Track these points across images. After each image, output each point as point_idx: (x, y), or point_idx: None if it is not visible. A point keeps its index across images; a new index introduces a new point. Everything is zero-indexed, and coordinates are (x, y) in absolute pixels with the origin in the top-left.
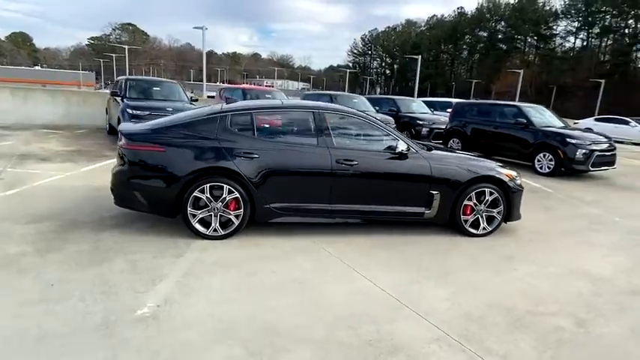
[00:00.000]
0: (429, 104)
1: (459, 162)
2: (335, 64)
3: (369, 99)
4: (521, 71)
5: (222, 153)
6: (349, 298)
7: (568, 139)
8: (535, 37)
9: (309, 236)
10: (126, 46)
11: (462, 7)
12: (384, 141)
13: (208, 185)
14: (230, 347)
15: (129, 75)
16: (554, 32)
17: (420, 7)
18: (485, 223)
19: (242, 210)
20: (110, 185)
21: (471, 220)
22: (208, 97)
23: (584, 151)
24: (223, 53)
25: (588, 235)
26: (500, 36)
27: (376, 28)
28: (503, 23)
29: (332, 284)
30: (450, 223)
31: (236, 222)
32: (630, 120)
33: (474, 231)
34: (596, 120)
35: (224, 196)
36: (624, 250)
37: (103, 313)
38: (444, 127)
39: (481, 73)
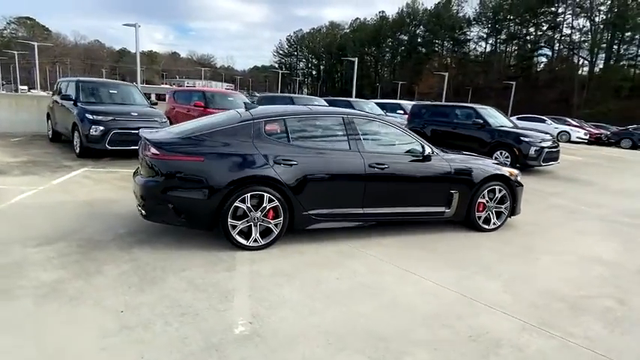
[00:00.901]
0: (379, 106)
1: (473, 162)
2: (259, 65)
3: (268, 97)
4: (447, 74)
5: (262, 160)
6: (423, 299)
7: (522, 138)
8: (451, 42)
9: (339, 241)
10: (35, 43)
11: (383, 11)
12: (408, 144)
13: (249, 194)
14: (351, 356)
15: (64, 77)
16: (468, 37)
17: (340, 10)
18: (495, 218)
19: (281, 218)
20: (138, 199)
21: (484, 216)
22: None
23: (536, 148)
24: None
25: (575, 225)
26: (419, 40)
27: (301, 29)
28: (422, 28)
29: (397, 286)
30: (465, 220)
31: (276, 231)
32: (546, 118)
33: (485, 226)
34: (518, 119)
35: (264, 204)
36: (611, 235)
37: (201, 335)
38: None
39: (403, 75)
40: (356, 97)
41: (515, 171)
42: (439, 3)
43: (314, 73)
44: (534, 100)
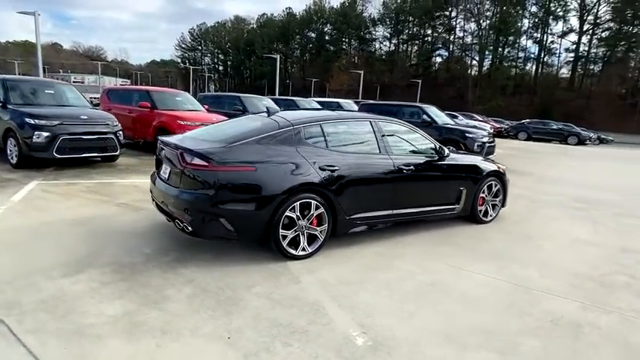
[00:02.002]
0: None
1: (475, 160)
2: (157, 59)
3: (212, 96)
4: (362, 72)
5: (309, 167)
6: (486, 291)
7: (467, 134)
8: (358, 41)
9: (369, 244)
10: None
11: (290, 8)
12: (424, 144)
13: (298, 203)
14: (478, 353)
15: None
16: (374, 37)
17: (240, 4)
18: (491, 210)
19: (326, 225)
20: (179, 214)
21: (483, 209)
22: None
23: (479, 143)
24: (9, 42)
25: (545, 212)
26: (327, 38)
27: (205, 23)
28: (329, 26)
29: (456, 281)
30: (469, 214)
31: (321, 238)
32: (458, 114)
33: (485, 219)
34: None
35: (312, 212)
36: (577, 219)
37: (329, 351)
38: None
39: (314, 72)
40: (268, 94)
41: (503, 166)
42: (345, 2)
43: (221, 68)
44: (435, 98)
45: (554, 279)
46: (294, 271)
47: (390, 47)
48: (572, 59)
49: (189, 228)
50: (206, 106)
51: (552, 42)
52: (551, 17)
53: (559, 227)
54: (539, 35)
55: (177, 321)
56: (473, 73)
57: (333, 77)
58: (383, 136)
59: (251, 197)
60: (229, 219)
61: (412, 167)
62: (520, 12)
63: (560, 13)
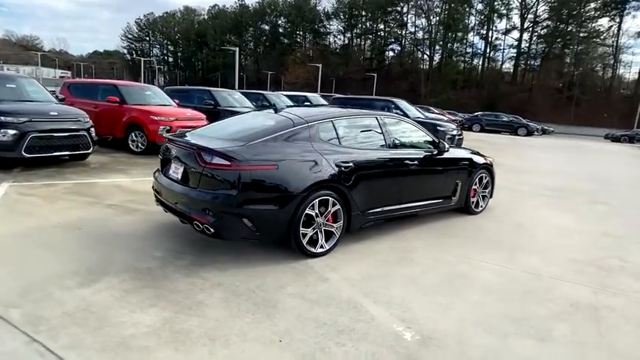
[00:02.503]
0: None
1: (468, 154)
2: (101, 49)
3: (179, 90)
4: (320, 65)
5: (326, 164)
6: (505, 280)
7: (438, 127)
8: (312, 34)
9: (376, 239)
10: None
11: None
12: (425, 139)
13: (317, 200)
14: (518, 340)
15: None
16: (328, 30)
17: None
18: (482, 201)
19: (341, 221)
20: (200, 216)
21: (475, 201)
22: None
23: (449, 136)
24: None
25: (527, 202)
26: (281, 30)
27: (152, 13)
28: (283, 19)
29: (474, 272)
30: (463, 206)
31: (337, 234)
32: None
33: (476, 210)
34: None
35: (329, 209)
36: (555, 208)
37: (382, 348)
38: None
39: (268, 65)
40: (221, 87)
41: (490, 159)
42: None
43: (171, 60)
44: (390, 91)
45: (558, 266)
46: (317, 269)
47: (344, 41)
48: (514, 55)
49: (211, 230)
50: (176, 101)
51: (497, 38)
52: (495, 15)
53: (543, 216)
54: (484, 32)
55: (220, 327)
56: (424, 67)
57: (288, 70)
58: (389, 131)
59: (273, 196)
60: (252, 219)
61: (416, 161)
62: (467, 9)
63: (504, 12)
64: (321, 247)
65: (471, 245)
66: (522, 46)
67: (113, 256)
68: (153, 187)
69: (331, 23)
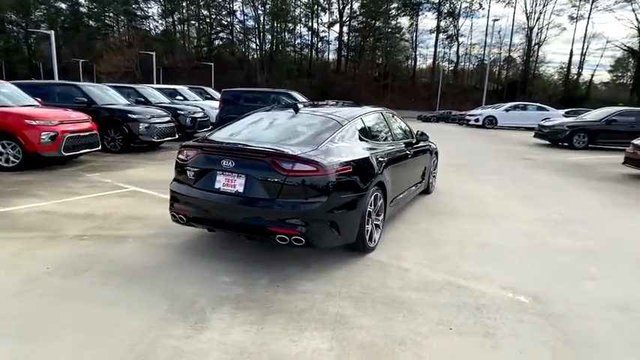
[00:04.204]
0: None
1: (429, 141)
2: None
3: (31, 85)
4: (154, 53)
5: (374, 160)
6: (519, 238)
7: (179, 112)
8: (127, 17)
9: (393, 225)
10: None
11: None
12: (406, 130)
13: (373, 197)
14: (586, 281)
15: None
16: (147, 14)
17: None
18: (434, 182)
19: (383, 214)
20: (285, 228)
21: (431, 182)
22: None
23: (189, 118)
24: None
25: (450, 176)
26: (85, 10)
27: None
28: None
29: (500, 235)
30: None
31: (381, 227)
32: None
33: (431, 190)
34: None
35: (378, 203)
36: (476, 180)
37: (515, 314)
38: (200, 116)
39: (73, 52)
40: (7, 78)
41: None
42: None
43: None
44: (226, 81)
45: (530, 225)
46: (386, 262)
47: (166, 26)
48: (337, 46)
49: (302, 240)
50: (39, 99)
51: (323, 30)
52: (320, 8)
53: (475, 188)
54: (311, 24)
55: (393, 331)
56: (257, 56)
57: (103, 58)
58: (389, 125)
59: (351, 197)
60: (337, 223)
61: (411, 151)
62: (294, 1)
63: (326, 5)
64: (374, 241)
65: (462, 217)
66: (343, 38)
67: (181, 292)
68: (175, 205)
69: (149, 5)
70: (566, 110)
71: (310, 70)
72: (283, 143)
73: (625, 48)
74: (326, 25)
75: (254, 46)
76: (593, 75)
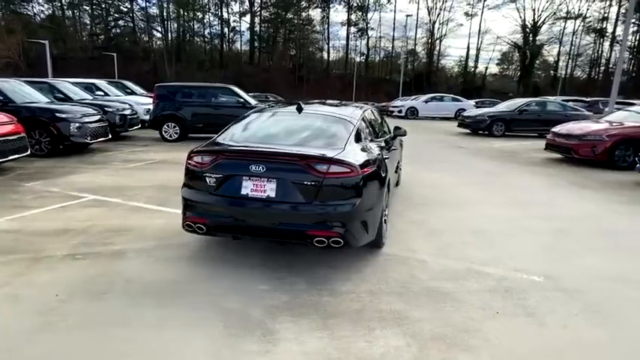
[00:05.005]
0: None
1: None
2: None
3: None
4: (46, 42)
5: (382, 157)
6: (516, 213)
7: (106, 109)
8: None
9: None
10: None
11: None
12: (387, 127)
13: (386, 192)
14: (596, 242)
15: None
16: None
17: None
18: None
19: (387, 209)
20: (323, 230)
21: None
22: None
23: (119, 115)
24: None
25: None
26: None
27: None
28: None
29: (488, 220)
30: None
31: (387, 222)
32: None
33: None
34: None
35: (388, 199)
36: (433, 170)
37: (535, 292)
38: (129, 113)
39: None
40: None
41: None
42: None
43: None
44: (130, 73)
45: (501, 209)
46: (403, 255)
47: (53, 11)
48: (249, 37)
49: (341, 241)
50: None
51: (235, 21)
52: None
53: (433, 177)
54: (221, 13)
55: (449, 320)
56: (163, 46)
57: None
58: (376, 119)
59: (376, 195)
60: (368, 222)
61: (395, 147)
62: None
63: None
64: (385, 236)
65: (441, 207)
66: (255, 29)
67: (227, 305)
68: (191, 214)
69: None
70: (476, 100)
71: (222, 62)
72: (307, 145)
73: (511, 43)
74: (237, 15)
75: (159, 35)
76: (487, 68)
